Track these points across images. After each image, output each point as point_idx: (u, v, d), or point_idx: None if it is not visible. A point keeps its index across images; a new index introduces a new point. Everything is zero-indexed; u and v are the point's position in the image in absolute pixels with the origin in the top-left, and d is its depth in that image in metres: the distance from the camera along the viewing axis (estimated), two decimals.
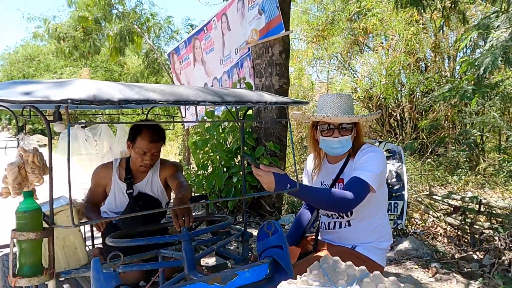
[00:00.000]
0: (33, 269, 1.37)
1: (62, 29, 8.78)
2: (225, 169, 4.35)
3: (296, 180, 1.65)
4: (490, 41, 2.50)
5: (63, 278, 1.73)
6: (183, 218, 1.89)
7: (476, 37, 2.80)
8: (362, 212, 1.93)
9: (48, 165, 2.06)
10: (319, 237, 2.14)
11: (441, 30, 7.57)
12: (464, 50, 7.03)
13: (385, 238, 2.02)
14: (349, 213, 1.96)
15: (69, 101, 1.17)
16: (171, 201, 2.52)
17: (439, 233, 3.89)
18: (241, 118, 1.88)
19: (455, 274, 2.82)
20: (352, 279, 1.30)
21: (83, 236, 2.39)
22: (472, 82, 2.93)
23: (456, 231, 3.70)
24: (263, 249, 1.63)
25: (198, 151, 4.59)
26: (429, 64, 8.43)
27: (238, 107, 2.17)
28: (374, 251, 1.97)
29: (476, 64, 2.40)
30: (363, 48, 9.87)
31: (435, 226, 4.11)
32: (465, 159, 5.70)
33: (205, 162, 4.60)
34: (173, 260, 1.58)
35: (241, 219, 4.21)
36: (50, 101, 1.17)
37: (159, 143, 2.21)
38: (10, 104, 2.04)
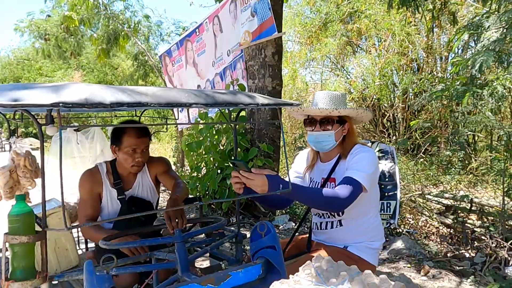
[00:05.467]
0: (26, 272, 1.37)
1: (46, 26, 8.63)
2: (219, 171, 4.36)
3: (288, 181, 1.66)
4: (481, 41, 2.54)
5: (56, 282, 1.73)
6: (176, 220, 1.89)
7: (468, 38, 2.84)
8: (353, 212, 1.94)
9: (40, 168, 2.06)
10: (312, 238, 2.16)
11: (433, 31, 7.64)
12: (456, 50, 7.11)
13: (377, 237, 2.04)
14: (340, 213, 1.97)
15: (61, 104, 1.17)
16: (160, 197, 2.49)
17: (431, 232, 3.93)
18: (234, 120, 1.89)
19: (447, 273, 2.85)
20: (344, 278, 1.32)
21: (75, 238, 2.39)
22: (464, 82, 2.96)
23: (448, 230, 3.74)
24: (256, 250, 1.63)
25: (191, 153, 4.59)
26: (421, 64, 8.51)
27: (231, 108, 2.18)
28: (366, 251, 1.99)
29: (468, 64, 2.43)
30: (356, 49, 9.93)
31: (428, 225, 4.15)
32: (457, 158, 5.76)
33: (199, 164, 4.61)
34: (166, 262, 1.58)
35: (235, 221, 4.22)
36: (42, 105, 1.17)
37: (146, 138, 2.12)
38: (1, 108, 2.04)
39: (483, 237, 3.36)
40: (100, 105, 1.23)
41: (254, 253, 1.65)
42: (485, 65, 2.35)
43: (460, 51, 7.44)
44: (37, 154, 2.15)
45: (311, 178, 2.12)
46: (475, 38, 2.87)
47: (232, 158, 3.28)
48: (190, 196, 4.33)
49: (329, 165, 2.03)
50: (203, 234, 2.28)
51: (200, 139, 4.51)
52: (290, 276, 1.40)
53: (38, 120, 1.37)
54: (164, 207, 1.96)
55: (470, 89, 2.77)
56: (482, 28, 2.65)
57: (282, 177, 1.70)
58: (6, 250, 1.41)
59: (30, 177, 1.99)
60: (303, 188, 1.87)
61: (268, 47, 4.28)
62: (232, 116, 2.75)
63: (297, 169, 2.18)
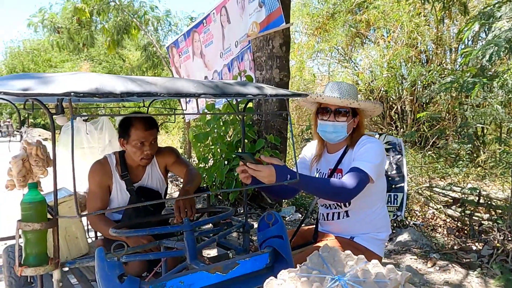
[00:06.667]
0: (39, 258, 1.40)
1: (58, 20, 8.70)
2: (226, 162, 4.38)
3: (296, 171, 1.67)
4: (492, 31, 2.50)
5: (67, 268, 1.76)
6: (186, 211, 1.91)
7: (478, 29, 2.80)
8: (360, 203, 1.95)
9: (51, 157, 2.09)
10: (319, 228, 2.17)
11: (443, 22, 7.53)
12: (466, 42, 7.01)
13: (383, 229, 2.04)
14: (347, 204, 1.98)
15: (72, 93, 1.18)
16: (169, 185, 2.49)
17: (438, 225, 3.92)
18: (242, 111, 1.89)
19: (453, 265, 2.85)
20: (351, 267, 1.33)
21: (85, 227, 2.43)
22: (474, 73, 2.93)
23: (456, 222, 3.73)
24: (264, 239, 1.65)
25: (199, 144, 4.61)
26: (430, 56, 8.40)
27: (238, 100, 2.19)
28: (373, 242, 2.00)
29: (478, 54, 2.40)
30: (364, 41, 9.84)
31: (435, 218, 4.14)
32: (465, 151, 5.71)
33: (206, 155, 4.62)
34: (175, 250, 1.61)
35: (242, 211, 4.24)
36: (54, 94, 1.19)
37: (154, 130, 2.11)
38: (13, 97, 2.07)
39: (490, 230, 3.35)
40: (111, 95, 1.25)
41: (261, 243, 1.67)
42: (496, 55, 2.31)
43: (470, 42, 7.33)
44: (46, 144, 2.18)
45: (318, 169, 2.12)
46: (486, 29, 2.82)
47: (239, 150, 3.29)
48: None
49: (336, 156, 2.04)
50: (211, 224, 2.31)
51: (207, 130, 4.52)
52: (297, 265, 1.42)
53: (48, 109, 1.39)
54: (173, 197, 1.98)
55: (480, 80, 2.74)
56: (494, 18, 2.61)
57: (289, 168, 1.71)
58: (20, 237, 1.43)
59: (42, 166, 2.02)
60: (310, 178, 1.88)
61: (276, 38, 4.26)
62: (240, 108, 2.76)
63: (304, 160, 2.18)
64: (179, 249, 1.56)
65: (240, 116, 1.92)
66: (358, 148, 1.92)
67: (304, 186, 1.77)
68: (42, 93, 1.18)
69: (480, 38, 6.73)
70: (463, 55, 2.86)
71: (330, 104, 1.93)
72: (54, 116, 1.40)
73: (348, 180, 1.76)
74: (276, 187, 2.01)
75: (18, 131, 2.17)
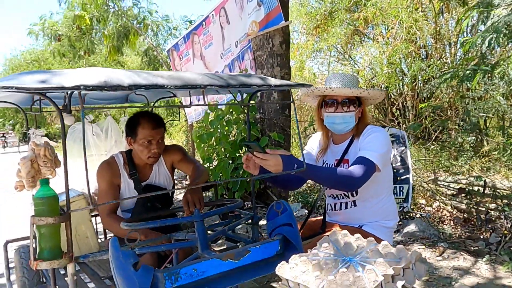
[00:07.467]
0: (53, 253, 1.42)
1: (58, 28, 8.78)
2: (230, 161, 4.40)
3: (303, 160, 1.68)
4: (491, 19, 2.51)
5: (81, 262, 1.77)
6: (194, 204, 1.93)
7: (477, 18, 2.81)
8: (367, 192, 1.96)
9: (59, 159, 2.11)
10: (327, 219, 2.18)
11: (442, 14, 7.55)
12: (465, 34, 7.01)
13: (391, 217, 2.06)
14: (354, 193, 1.99)
15: (81, 87, 1.21)
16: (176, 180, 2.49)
17: (445, 217, 3.92)
18: (246, 104, 1.91)
19: (462, 253, 2.85)
20: (361, 249, 1.35)
21: (95, 227, 2.46)
22: (475, 62, 2.94)
23: (462, 214, 3.73)
24: (273, 228, 1.67)
25: (202, 144, 4.63)
26: (430, 51, 8.41)
27: (244, 95, 2.20)
28: (381, 230, 2.01)
29: (478, 41, 2.42)
30: (363, 38, 9.85)
31: (441, 210, 4.14)
32: (469, 144, 5.70)
33: (210, 155, 4.65)
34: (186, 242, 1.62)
35: (249, 205, 4.25)
36: (63, 88, 1.22)
37: (161, 129, 2.13)
38: (19, 100, 2.09)
39: (497, 219, 3.35)
40: (119, 87, 1.27)
41: (271, 232, 1.69)
42: (496, 41, 2.33)
43: (470, 35, 7.33)
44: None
45: (324, 160, 2.13)
46: (485, 17, 2.83)
47: (246, 140, 3.30)
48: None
49: (342, 147, 2.05)
50: (219, 219, 2.33)
51: (211, 130, 4.55)
52: (308, 250, 1.43)
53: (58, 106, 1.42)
54: (180, 196, 2.00)
55: (481, 68, 2.75)
56: (492, 6, 2.62)
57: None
58: (34, 233, 1.45)
59: (51, 166, 2.05)
60: (317, 167, 1.89)
61: (276, 36, 4.29)
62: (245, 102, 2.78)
63: (310, 153, 2.20)
64: (190, 240, 1.58)
65: (243, 111, 1.95)
66: (364, 137, 1.94)
67: (311, 175, 1.78)
68: (52, 87, 1.20)
69: (479, 31, 6.74)
70: (463, 43, 2.86)
71: (336, 96, 1.94)
72: (63, 114, 1.43)
73: (354, 169, 1.78)
74: (282, 177, 2.03)
75: (26, 132, 2.19)
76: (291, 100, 1.74)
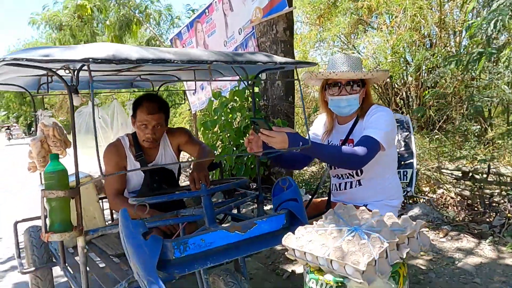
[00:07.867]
0: (63, 225, 1.45)
1: (61, 18, 8.76)
2: (234, 148, 4.43)
3: (308, 138, 1.70)
4: (497, 1, 2.50)
5: (90, 241, 1.81)
6: (200, 183, 1.95)
7: (482, 1, 2.80)
8: (372, 171, 1.98)
9: (69, 139, 2.14)
10: (331, 199, 2.20)
11: (446, 3, 7.48)
12: (469, 16, 6.95)
13: (396, 196, 2.08)
14: (359, 172, 2.01)
15: (90, 60, 1.23)
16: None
17: (449, 203, 3.93)
18: (252, 82, 1.92)
19: (465, 235, 2.87)
20: (366, 220, 1.37)
21: (102, 209, 2.49)
22: (480, 45, 2.93)
23: (466, 200, 3.74)
24: (279, 203, 1.69)
25: (207, 132, 4.66)
26: (434, 40, 8.35)
27: (249, 75, 2.21)
28: (386, 209, 2.02)
29: (484, 23, 2.41)
30: (367, 28, 9.79)
31: (445, 196, 4.15)
32: (472, 134, 5.68)
33: (215, 142, 4.68)
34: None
35: (254, 186, 4.27)
36: (72, 60, 1.23)
37: (158, 115, 2.11)
38: (27, 83, 2.11)
39: (501, 203, 3.36)
40: (127, 61, 1.29)
41: (277, 207, 1.71)
42: (501, 23, 2.32)
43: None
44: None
45: (329, 141, 2.14)
46: (489, 4, 2.82)
47: (252, 116, 3.34)
48: None
49: (347, 127, 2.06)
50: (224, 199, 2.35)
51: (215, 118, 4.57)
52: (314, 222, 1.46)
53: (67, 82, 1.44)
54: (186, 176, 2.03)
55: (487, 51, 2.74)
56: None
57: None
58: (45, 208, 1.48)
59: (60, 146, 2.07)
60: (322, 145, 1.91)
61: (279, 23, 4.28)
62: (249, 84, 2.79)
63: (315, 131, 2.21)
64: (197, 215, 1.60)
65: (249, 88, 1.96)
66: (369, 117, 1.95)
67: (316, 153, 1.80)
68: (61, 59, 1.22)
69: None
70: (469, 27, 2.84)
71: (340, 78, 1.94)
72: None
73: (359, 147, 1.79)
74: (288, 155, 2.04)
75: (33, 114, 2.21)
76: (297, 77, 1.75)
